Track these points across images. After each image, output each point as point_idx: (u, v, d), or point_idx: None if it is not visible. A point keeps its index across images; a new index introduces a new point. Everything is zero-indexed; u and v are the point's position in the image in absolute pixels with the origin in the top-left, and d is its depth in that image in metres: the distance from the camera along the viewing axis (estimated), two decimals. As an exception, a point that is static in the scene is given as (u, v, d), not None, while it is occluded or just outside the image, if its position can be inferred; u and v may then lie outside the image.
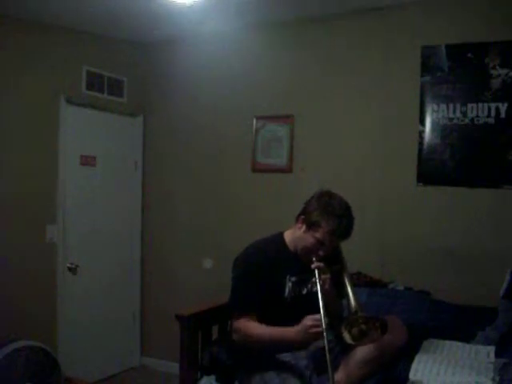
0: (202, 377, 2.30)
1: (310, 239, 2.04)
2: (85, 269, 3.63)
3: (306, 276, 2.10)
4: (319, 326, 1.83)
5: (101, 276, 3.79)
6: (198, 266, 3.81)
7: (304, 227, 2.07)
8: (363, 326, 1.86)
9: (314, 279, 2.01)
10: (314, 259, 2.02)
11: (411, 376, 1.99)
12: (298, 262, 2.11)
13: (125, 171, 4.03)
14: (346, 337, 1.85)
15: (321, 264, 2.00)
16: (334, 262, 2.13)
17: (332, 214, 2.00)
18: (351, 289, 1.99)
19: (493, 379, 1.91)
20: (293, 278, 2.12)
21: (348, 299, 1.96)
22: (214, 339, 2.51)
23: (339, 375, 1.91)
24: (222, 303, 2.42)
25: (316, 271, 1.99)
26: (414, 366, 2.05)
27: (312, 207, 2.06)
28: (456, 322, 2.50)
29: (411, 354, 2.12)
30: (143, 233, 4.13)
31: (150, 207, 4.11)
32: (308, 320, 1.88)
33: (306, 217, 2.08)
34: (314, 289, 1.99)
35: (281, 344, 2.00)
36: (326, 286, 2.00)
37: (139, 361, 4.12)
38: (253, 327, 2.03)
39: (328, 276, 2.01)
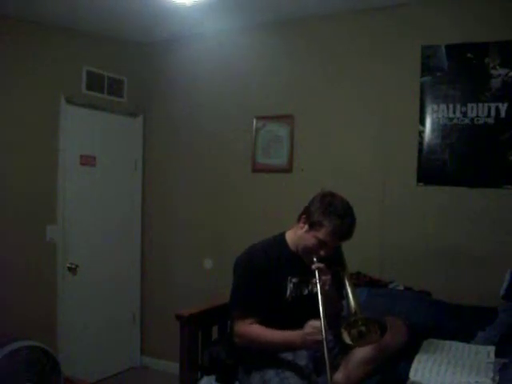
0: (202, 377, 2.30)
1: (311, 239, 2.03)
2: (85, 269, 3.63)
3: (307, 277, 2.09)
4: (318, 333, 1.82)
5: (101, 276, 3.79)
6: (198, 266, 3.81)
7: (306, 227, 2.07)
8: (362, 328, 1.85)
9: (314, 280, 2.00)
10: (314, 259, 2.01)
11: (411, 376, 2.00)
12: (299, 263, 2.11)
13: (125, 171, 4.03)
14: (346, 337, 1.85)
15: (321, 265, 2.00)
16: (336, 264, 2.12)
17: (334, 213, 1.99)
18: (351, 290, 1.98)
19: (493, 379, 1.91)
20: (294, 279, 2.11)
21: (348, 300, 1.96)
22: (214, 339, 2.51)
23: (339, 375, 1.91)
24: (221, 303, 2.42)
25: (316, 272, 1.98)
26: (414, 365, 2.06)
27: (314, 207, 2.05)
28: (456, 322, 2.49)
29: (411, 354, 2.13)
30: (143, 233, 4.13)
31: (149, 207, 4.11)
32: (307, 327, 1.88)
33: (307, 216, 2.07)
34: (315, 290, 1.98)
35: (282, 346, 2.00)
36: (326, 287, 1.99)
37: (139, 361, 4.12)
38: (254, 330, 2.03)
39: (328, 277, 2.00)
